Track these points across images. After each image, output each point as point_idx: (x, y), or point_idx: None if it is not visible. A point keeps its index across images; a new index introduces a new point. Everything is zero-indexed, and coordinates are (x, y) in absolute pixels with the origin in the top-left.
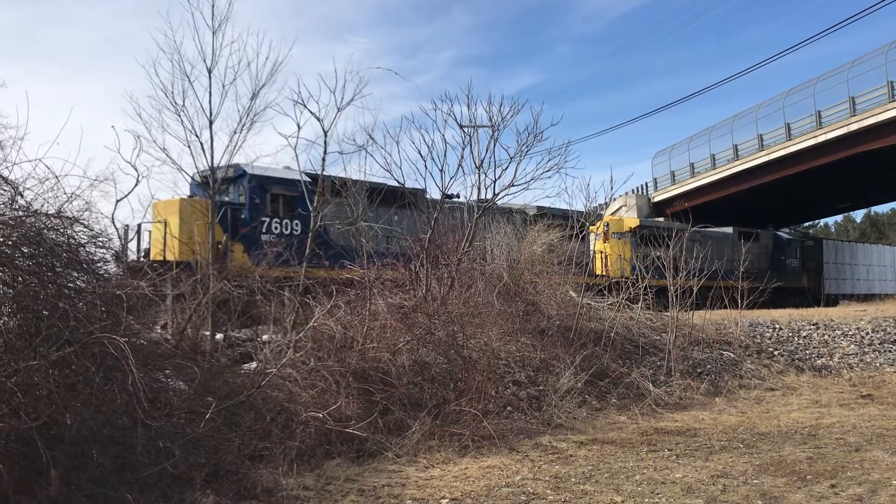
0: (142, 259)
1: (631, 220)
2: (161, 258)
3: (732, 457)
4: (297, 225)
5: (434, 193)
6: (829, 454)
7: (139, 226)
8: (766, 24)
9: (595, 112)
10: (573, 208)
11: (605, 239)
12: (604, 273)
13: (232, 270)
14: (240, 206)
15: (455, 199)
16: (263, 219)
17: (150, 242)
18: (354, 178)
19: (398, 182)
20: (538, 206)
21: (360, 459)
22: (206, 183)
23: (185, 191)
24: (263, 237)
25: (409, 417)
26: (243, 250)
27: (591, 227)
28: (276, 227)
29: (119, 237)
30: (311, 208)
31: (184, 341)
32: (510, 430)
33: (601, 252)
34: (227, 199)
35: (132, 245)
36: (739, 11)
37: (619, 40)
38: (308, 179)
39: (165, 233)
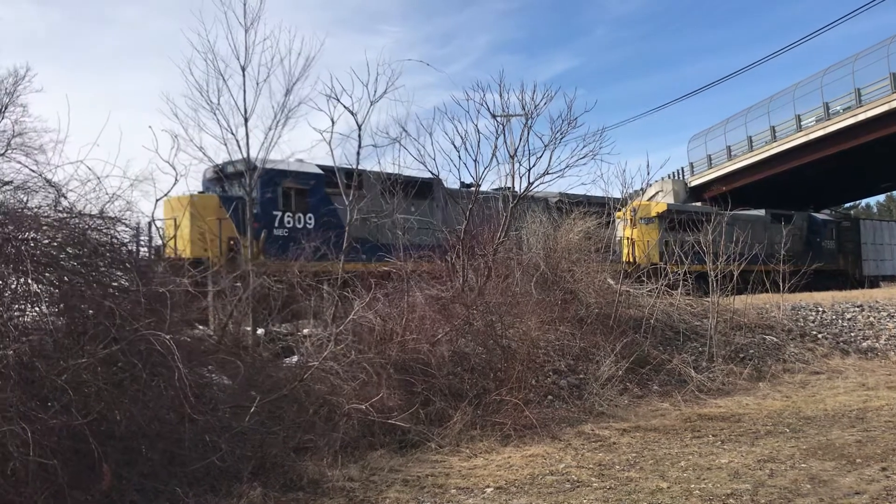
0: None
1: (658, 204)
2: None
3: (778, 441)
4: (310, 218)
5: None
6: (878, 437)
7: (150, 223)
8: (805, 0)
9: (632, 95)
10: (604, 194)
11: (633, 224)
12: (630, 259)
13: (270, 266)
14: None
15: (473, 189)
16: (276, 213)
17: (162, 240)
18: (370, 169)
19: (431, 173)
20: (559, 193)
21: (402, 450)
22: (218, 178)
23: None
24: (276, 232)
25: (451, 408)
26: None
27: (617, 213)
28: (288, 221)
29: (158, 233)
30: (326, 200)
31: (225, 337)
32: (551, 418)
33: (629, 238)
34: (239, 194)
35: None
36: None
37: (657, 20)
38: (321, 172)
39: (177, 230)
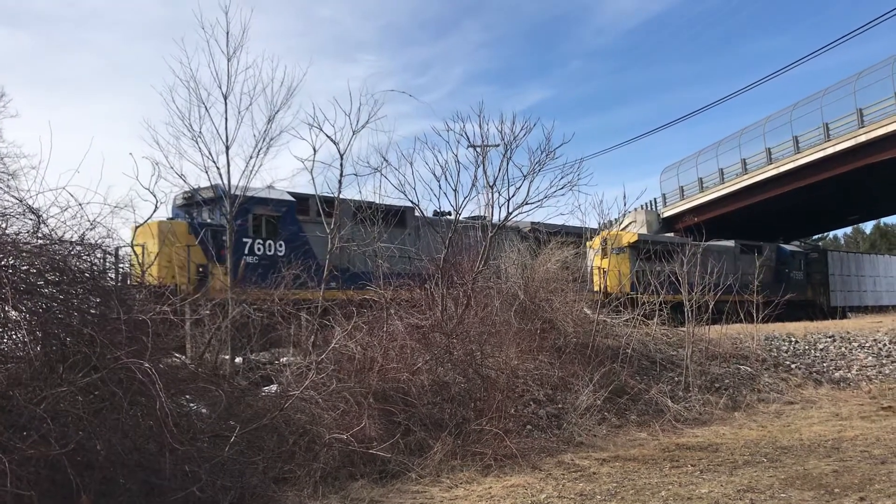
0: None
1: (629, 234)
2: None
3: (757, 471)
4: (280, 246)
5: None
6: (854, 467)
7: (116, 249)
8: (775, 37)
9: (606, 126)
10: (580, 224)
11: (604, 254)
12: (601, 289)
13: (250, 294)
14: (221, 227)
15: (446, 217)
16: (246, 240)
17: (129, 266)
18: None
19: (412, 202)
20: (531, 222)
21: (383, 480)
22: (188, 205)
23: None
24: (246, 259)
25: (431, 437)
26: (225, 273)
27: (588, 243)
28: (258, 248)
29: (136, 259)
30: (296, 228)
31: (203, 366)
32: (531, 448)
33: (599, 268)
34: (208, 220)
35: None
36: (748, 24)
37: (631, 54)
38: (292, 199)
39: (143, 256)
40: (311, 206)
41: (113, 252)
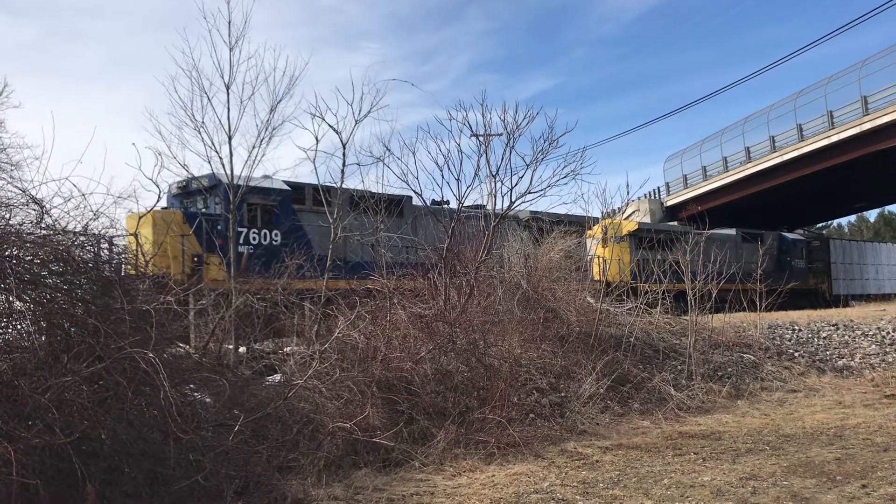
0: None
1: (629, 223)
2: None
3: (759, 459)
4: (276, 235)
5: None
6: (857, 455)
7: (111, 239)
8: (779, 24)
9: (610, 115)
10: (583, 213)
11: (604, 243)
12: (601, 278)
13: (254, 284)
14: (216, 216)
15: (443, 206)
16: (240, 229)
17: (124, 256)
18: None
19: (414, 192)
20: (531, 211)
21: (386, 469)
22: (183, 194)
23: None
24: (241, 248)
25: (434, 426)
26: (220, 262)
27: (587, 232)
28: (253, 238)
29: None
30: (292, 217)
31: (207, 355)
32: (534, 436)
33: (599, 257)
34: (202, 209)
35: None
36: (752, 12)
37: (635, 42)
38: (288, 189)
39: (139, 246)
40: (306, 195)
41: (110, 241)
